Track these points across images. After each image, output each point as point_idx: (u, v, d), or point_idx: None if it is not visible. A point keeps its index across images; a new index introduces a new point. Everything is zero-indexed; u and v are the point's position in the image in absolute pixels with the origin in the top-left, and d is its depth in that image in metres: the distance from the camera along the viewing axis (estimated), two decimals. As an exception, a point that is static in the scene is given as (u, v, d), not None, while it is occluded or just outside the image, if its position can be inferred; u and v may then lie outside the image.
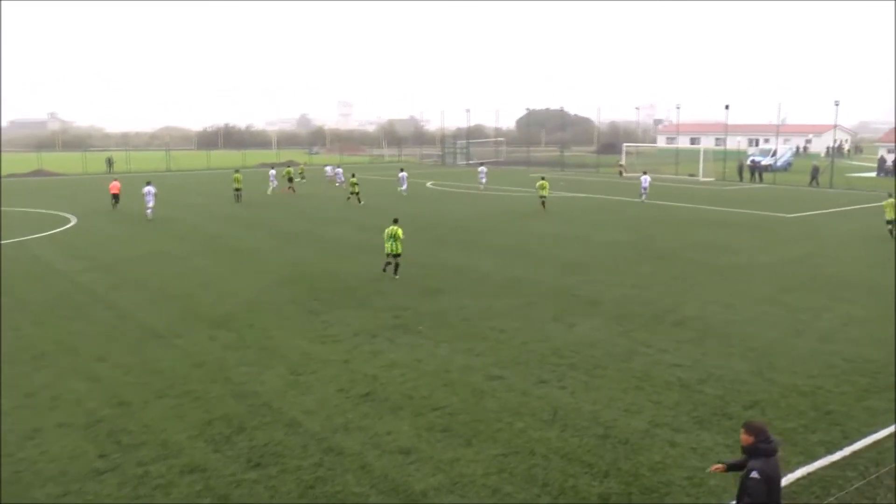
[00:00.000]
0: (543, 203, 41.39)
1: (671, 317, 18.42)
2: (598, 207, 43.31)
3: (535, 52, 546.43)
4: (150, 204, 38.16)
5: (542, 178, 43.27)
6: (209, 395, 13.34)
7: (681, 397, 13.12)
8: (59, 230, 34.70)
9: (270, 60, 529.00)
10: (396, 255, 23.04)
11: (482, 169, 58.35)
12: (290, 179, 54.18)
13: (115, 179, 46.30)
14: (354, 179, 46.45)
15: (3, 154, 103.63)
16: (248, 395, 13.32)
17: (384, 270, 23.39)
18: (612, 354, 15.53)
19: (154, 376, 14.40)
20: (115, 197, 43.47)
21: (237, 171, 51.50)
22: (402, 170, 54.03)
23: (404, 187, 51.13)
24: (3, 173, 73.37)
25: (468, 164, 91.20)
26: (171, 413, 12.60)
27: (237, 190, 47.26)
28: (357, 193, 45.11)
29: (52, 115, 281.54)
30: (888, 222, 31.22)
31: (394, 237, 23.03)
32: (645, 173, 49.11)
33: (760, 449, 7.29)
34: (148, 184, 39.32)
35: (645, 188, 46.69)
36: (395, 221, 23.86)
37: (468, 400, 13.06)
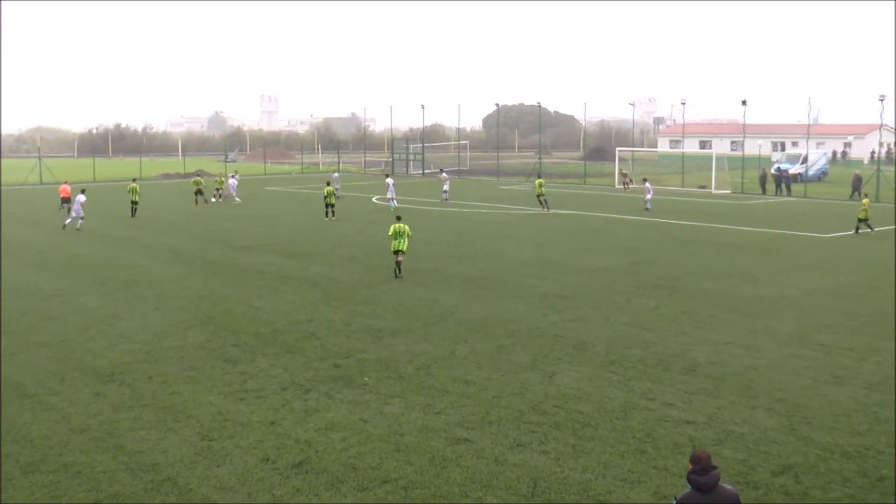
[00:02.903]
0: (542, 202, 50.78)
1: (678, 362, 18.57)
2: (587, 227, 43.73)
3: (507, 34, 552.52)
4: (81, 214, 43.25)
5: (539, 177, 55.94)
6: (95, 469, 13.09)
7: (693, 462, 13.16)
8: None
9: (174, 45, 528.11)
10: (401, 252, 28.42)
11: (444, 176, 60.17)
12: (199, 192, 56.07)
13: (65, 182, 53.38)
14: (331, 188, 47.88)
15: None
16: (146, 468, 13.11)
17: (396, 274, 28.31)
18: (606, 410, 15.58)
19: (20, 446, 14.09)
20: (66, 201, 49.76)
21: (134, 180, 54.11)
22: (387, 175, 59.58)
23: (391, 199, 52.99)
24: None
25: (424, 174, 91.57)
26: (43, 493, 12.33)
27: (134, 203, 49.66)
28: (332, 205, 47.14)
29: None
30: (860, 220, 40.54)
31: (401, 234, 28.37)
32: (646, 181, 54.44)
33: (691, 480, 8.31)
34: (82, 192, 44.70)
35: (648, 198, 51.76)
36: (399, 219, 29.19)
37: (426, 470, 13.00)
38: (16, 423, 15.16)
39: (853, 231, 40.67)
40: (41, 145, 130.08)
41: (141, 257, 33.99)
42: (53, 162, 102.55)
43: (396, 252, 28.44)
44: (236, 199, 58.11)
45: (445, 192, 58.88)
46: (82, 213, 43.15)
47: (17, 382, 17.46)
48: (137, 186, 50.73)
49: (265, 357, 19.14)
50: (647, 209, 50.64)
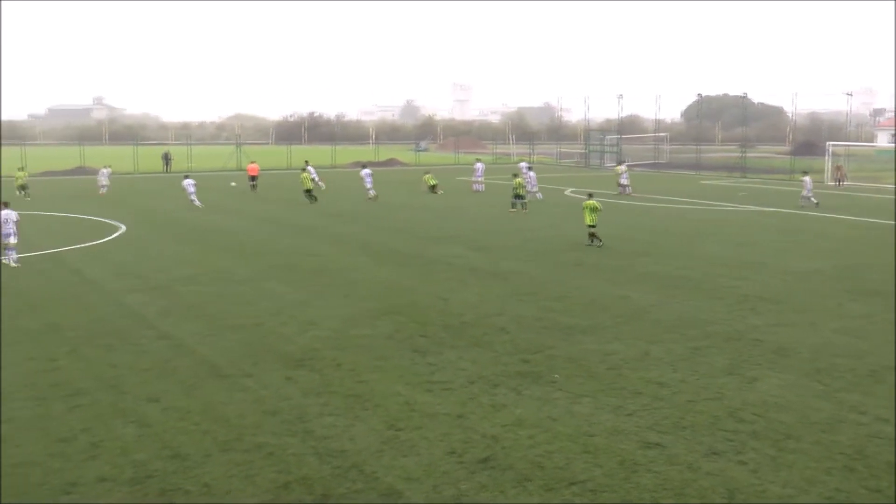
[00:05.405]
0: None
1: (894, 374, 17.75)
2: (794, 226, 42.29)
3: (709, 19, 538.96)
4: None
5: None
6: (285, 452, 13.65)
7: (908, 483, 12.60)
8: (103, 241, 36.48)
9: (368, 34, 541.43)
10: (593, 226, 33.96)
11: (622, 168, 59.58)
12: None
13: (253, 161, 64.41)
14: (521, 180, 47.57)
15: (38, 147, 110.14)
16: (333, 454, 13.56)
17: (589, 243, 33.98)
18: (810, 421, 15.08)
19: (217, 424, 14.86)
20: (253, 179, 60.24)
21: (303, 169, 54.39)
22: (529, 167, 57.80)
23: (534, 192, 52.41)
24: (39, 170, 77.63)
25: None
26: (237, 471, 12.95)
27: (308, 191, 50.83)
28: (521, 197, 46.94)
29: (99, 101, 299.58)
30: None
31: (592, 209, 33.91)
32: (806, 174, 53.35)
33: None
34: (363, 167, 55.23)
35: (805, 195, 51.06)
36: (591, 196, 35.38)
37: (616, 473, 12.94)
38: (213, 401, 16.00)
39: None
40: (240, 133, 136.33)
41: (327, 245, 35.14)
42: (252, 148, 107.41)
43: (590, 226, 34.05)
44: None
45: (622, 185, 58.19)
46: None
47: (214, 363, 18.40)
48: (308, 175, 51.81)
49: (453, 349, 19.44)
50: (803, 205, 50.02)
